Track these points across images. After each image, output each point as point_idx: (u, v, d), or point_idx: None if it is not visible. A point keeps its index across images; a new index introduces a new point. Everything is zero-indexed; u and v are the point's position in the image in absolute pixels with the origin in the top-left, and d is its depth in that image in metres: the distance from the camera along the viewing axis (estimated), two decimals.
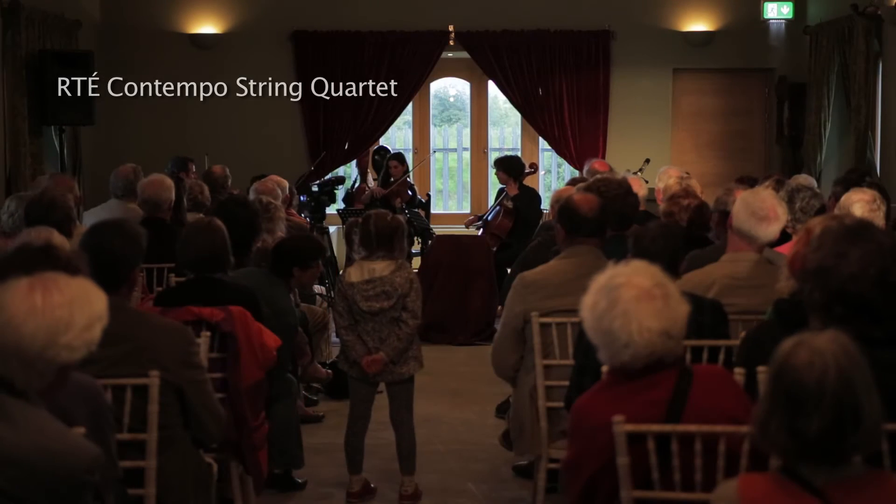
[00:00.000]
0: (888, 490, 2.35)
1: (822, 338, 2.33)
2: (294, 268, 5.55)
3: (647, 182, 8.07)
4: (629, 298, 2.90)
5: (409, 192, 10.96)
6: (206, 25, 12.23)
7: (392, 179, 11.02)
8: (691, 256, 4.97)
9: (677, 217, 5.68)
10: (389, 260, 5.32)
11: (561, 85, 12.18)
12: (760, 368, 3.34)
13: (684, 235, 5.48)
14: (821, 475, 2.31)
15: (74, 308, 2.58)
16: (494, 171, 10.28)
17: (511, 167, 10.06)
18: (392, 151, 11.72)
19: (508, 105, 12.77)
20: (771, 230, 4.61)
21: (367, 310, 5.29)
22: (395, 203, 10.48)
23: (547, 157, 13.09)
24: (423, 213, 11.00)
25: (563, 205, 4.88)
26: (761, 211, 4.61)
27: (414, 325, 5.37)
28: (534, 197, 10.12)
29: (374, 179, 11.57)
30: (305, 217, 8.68)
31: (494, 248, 9.77)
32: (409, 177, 11.10)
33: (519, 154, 12.08)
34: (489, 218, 10.14)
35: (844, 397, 2.28)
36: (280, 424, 5.25)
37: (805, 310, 3.40)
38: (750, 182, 7.18)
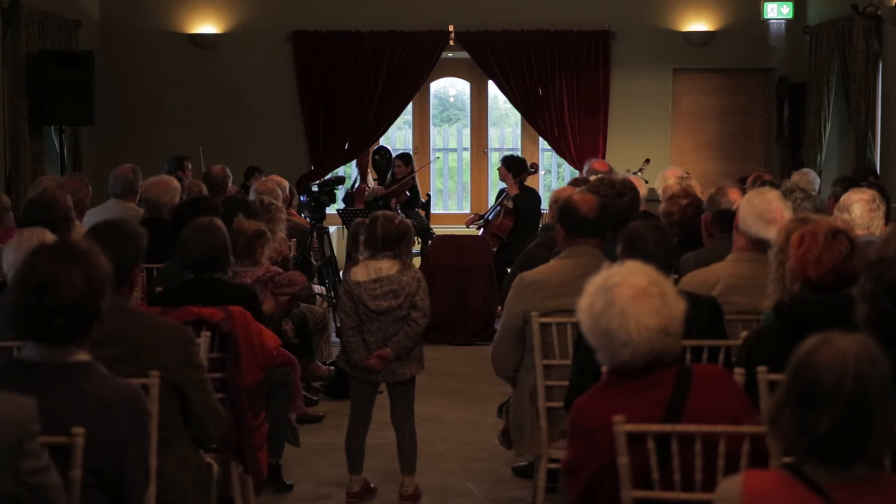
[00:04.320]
0: (892, 492, 2.33)
1: (848, 339, 2.29)
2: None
3: (647, 182, 8.07)
4: (626, 297, 2.90)
5: (408, 193, 10.95)
6: (206, 25, 12.23)
7: (396, 179, 11.01)
8: (683, 259, 4.98)
9: (677, 217, 5.67)
10: (395, 260, 5.33)
11: (561, 85, 12.18)
12: (760, 368, 3.35)
13: (680, 235, 5.50)
14: (825, 474, 2.30)
15: None
16: (498, 166, 10.32)
17: (511, 164, 10.09)
18: (391, 151, 11.72)
19: (508, 105, 12.77)
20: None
21: (375, 309, 5.28)
22: (391, 204, 10.47)
23: (547, 157, 13.09)
24: (423, 213, 10.99)
25: (563, 205, 4.88)
26: (768, 214, 4.60)
27: (424, 324, 5.37)
28: (534, 197, 10.13)
29: (375, 179, 11.57)
30: (305, 217, 8.66)
31: (494, 248, 9.77)
32: (413, 179, 11.10)
33: (519, 154, 12.08)
34: (489, 218, 10.15)
35: (859, 402, 2.24)
36: (273, 415, 5.21)
37: (806, 313, 3.41)
38: (757, 181, 7.11)
